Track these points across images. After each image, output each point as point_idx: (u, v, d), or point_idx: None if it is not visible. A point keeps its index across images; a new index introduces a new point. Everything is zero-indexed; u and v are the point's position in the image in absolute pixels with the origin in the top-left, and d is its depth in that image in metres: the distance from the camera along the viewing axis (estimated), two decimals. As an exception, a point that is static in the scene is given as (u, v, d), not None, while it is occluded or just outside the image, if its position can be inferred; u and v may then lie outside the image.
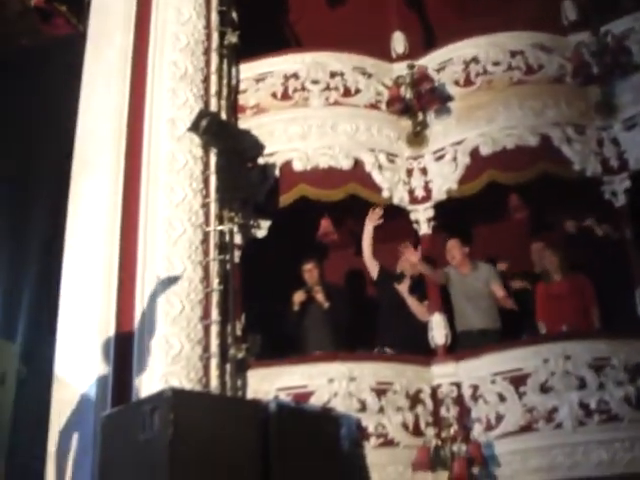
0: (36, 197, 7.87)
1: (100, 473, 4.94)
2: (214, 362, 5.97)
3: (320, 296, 7.02)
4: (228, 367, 6.00)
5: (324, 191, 6.81)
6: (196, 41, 7.06)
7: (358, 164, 6.89)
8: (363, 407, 6.01)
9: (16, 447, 5.82)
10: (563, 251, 6.87)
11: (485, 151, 6.78)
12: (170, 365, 5.84)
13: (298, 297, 6.98)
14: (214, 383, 5.92)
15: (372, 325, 6.99)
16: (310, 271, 7.17)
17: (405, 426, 6.06)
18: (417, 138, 7.03)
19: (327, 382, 6.05)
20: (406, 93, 7.01)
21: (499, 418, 5.98)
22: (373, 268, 7.05)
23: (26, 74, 8.19)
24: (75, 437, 5.88)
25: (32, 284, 7.62)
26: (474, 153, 6.82)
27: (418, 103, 6.97)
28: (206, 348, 6.00)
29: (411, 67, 7.06)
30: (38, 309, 7.38)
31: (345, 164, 6.86)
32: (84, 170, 6.65)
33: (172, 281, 6.06)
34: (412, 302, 6.85)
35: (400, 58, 7.38)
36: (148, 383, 5.79)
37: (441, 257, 6.97)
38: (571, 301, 6.67)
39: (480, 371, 6.16)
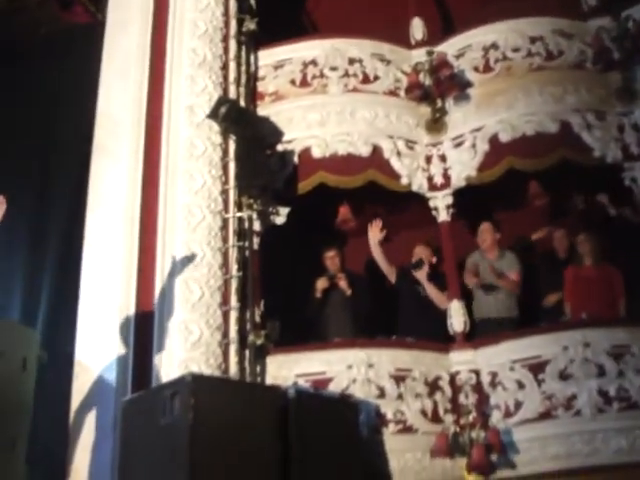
0: (55, 184, 7.91)
1: (120, 457, 4.98)
2: (233, 348, 5.99)
3: (343, 283, 7.03)
4: (247, 353, 6.02)
5: (343, 178, 6.80)
6: (214, 28, 7.05)
7: (377, 151, 6.87)
8: (382, 393, 6.02)
9: (38, 432, 5.86)
10: (597, 238, 6.84)
11: (504, 138, 6.73)
12: (190, 351, 5.86)
13: (321, 284, 7.00)
14: (233, 369, 5.94)
15: (391, 312, 6.99)
16: (332, 258, 7.19)
17: (424, 413, 6.06)
18: (436, 125, 7.00)
19: (346, 368, 6.06)
20: (425, 80, 6.98)
21: (518, 405, 5.97)
22: (391, 274, 7.08)
23: (45, 62, 8.21)
24: (95, 421, 5.93)
25: (52, 270, 7.67)
26: (493, 140, 6.78)
27: (437, 90, 6.93)
28: (225, 334, 6.02)
29: (430, 53, 7.02)
30: (58, 295, 7.43)
31: (364, 151, 6.84)
32: (103, 157, 6.66)
33: (189, 261, 6.08)
34: (431, 289, 6.85)
35: (419, 44, 7.33)
36: (168, 369, 5.82)
37: (461, 244, 6.96)
38: (599, 287, 6.66)
39: (499, 358, 6.14)
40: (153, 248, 6.24)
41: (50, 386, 6.19)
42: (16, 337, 5.92)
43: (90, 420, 5.97)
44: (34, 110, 8.04)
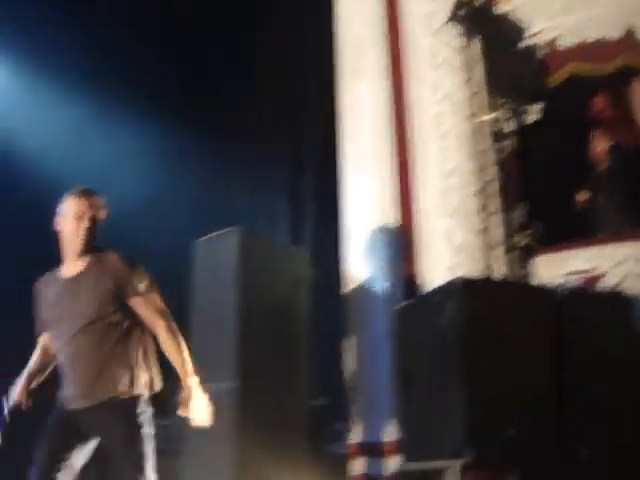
0: (306, 110, 8.23)
1: (397, 364, 5.18)
2: (498, 251, 5.98)
3: None
4: (512, 255, 5.99)
5: (595, 65, 6.38)
6: None
7: (630, 32, 6.38)
8: (655, 289, 5.76)
9: (314, 346, 6.26)
10: None
11: None
12: (454, 257, 5.95)
13: None
14: (499, 272, 5.93)
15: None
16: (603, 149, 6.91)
17: None
18: (694, -6, 6.39)
19: (616, 264, 5.84)
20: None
21: None
22: None
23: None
24: (368, 332, 6.22)
25: (313, 189, 8.06)
26: None
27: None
28: (488, 238, 6.02)
29: None
30: (322, 212, 7.79)
31: (615, 34, 6.39)
32: (350, 77, 6.83)
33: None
34: None
35: None
36: (434, 276, 5.95)
37: None
38: None
39: None
40: (408, 159, 6.36)
41: (321, 301, 6.57)
42: (288, 258, 6.33)
43: (363, 331, 6.27)
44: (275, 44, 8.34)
